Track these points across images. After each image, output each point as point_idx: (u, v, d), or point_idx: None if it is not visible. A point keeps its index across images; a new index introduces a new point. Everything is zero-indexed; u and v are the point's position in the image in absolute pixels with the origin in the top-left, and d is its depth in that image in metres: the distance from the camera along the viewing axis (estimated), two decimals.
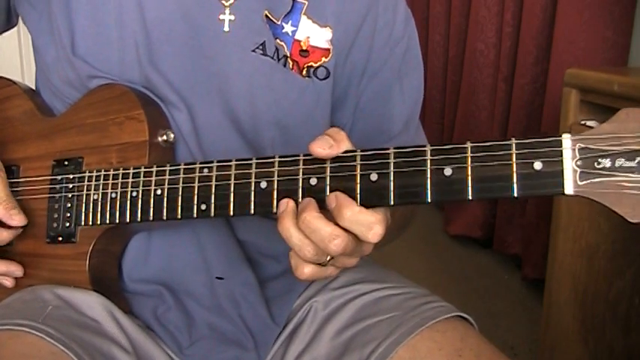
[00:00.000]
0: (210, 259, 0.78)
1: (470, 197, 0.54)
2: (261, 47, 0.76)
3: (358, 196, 0.58)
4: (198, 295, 0.78)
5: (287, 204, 0.59)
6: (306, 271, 0.59)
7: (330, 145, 0.59)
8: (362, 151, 0.59)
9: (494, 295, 2.14)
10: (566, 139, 0.51)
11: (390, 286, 0.80)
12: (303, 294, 0.83)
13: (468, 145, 0.54)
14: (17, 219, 0.75)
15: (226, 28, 0.76)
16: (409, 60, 0.87)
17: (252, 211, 0.62)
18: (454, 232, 2.54)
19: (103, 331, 0.72)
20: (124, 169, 0.71)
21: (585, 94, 1.32)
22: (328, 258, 0.58)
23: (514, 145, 0.53)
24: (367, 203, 0.57)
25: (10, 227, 0.76)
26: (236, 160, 0.64)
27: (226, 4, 0.76)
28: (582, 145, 0.51)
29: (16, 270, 0.78)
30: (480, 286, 2.20)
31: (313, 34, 0.79)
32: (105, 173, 0.73)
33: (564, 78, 1.36)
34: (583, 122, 1.31)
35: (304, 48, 0.78)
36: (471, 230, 2.47)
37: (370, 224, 0.56)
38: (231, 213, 0.63)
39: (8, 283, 0.78)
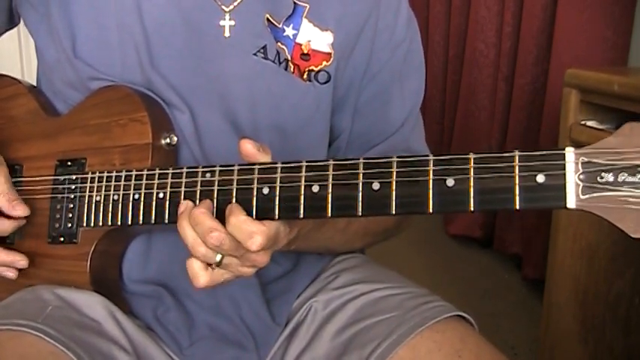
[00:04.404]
0: None
1: (472, 209, 0.54)
2: (262, 51, 0.76)
3: (359, 204, 0.58)
4: (198, 295, 0.78)
5: (186, 205, 0.64)
6: (202, 280, 0.63)
7: (258, 148, 0.62)
8: (365, 159, 0.59)
9: (495, 295, 2.14)
10: (570, 153, 0.51)
11: (390, 286, 0.80)
12: (303, 294, 0.83)
13: (471, 156, 0.54)
14: (20, 209, 0.75)
15: (227, 34, 0.76)
16: (410, 62, 0.86)
17: (254, 217, 0.62)
18: (454, 232, 2.54)
19: (103, 331, 0.72)
20: (126, 172, 0.71)
21: (585, 94, 1.32)
22: (218, 257, 0.62)
23: (517, 157, 0.53)
24: (367, 212, 0.58)
25: (12, 218, 0.76)
26: (238, 165, 0.64)
27: (226, 9, 0.76)
28: (585, 159, 0.51)
29: (21, 260, 0.77)
30: (480, 286, 2.20)
31: (314, 37, 0.79)
32: (107, 175, 0.73)
33: (564, 78, 1.36)
34: (583, 122, 1.32)
35: (305, 51, 0.78)
36: (471, 230, 2.47)
37: (251, 233, 0.59)
38: None
39: (11, 274, 0.77)
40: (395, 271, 0.86)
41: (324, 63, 0.79)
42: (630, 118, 1.22)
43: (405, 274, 0.85)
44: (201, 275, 0.63)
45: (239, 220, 0.60)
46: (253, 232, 0.59)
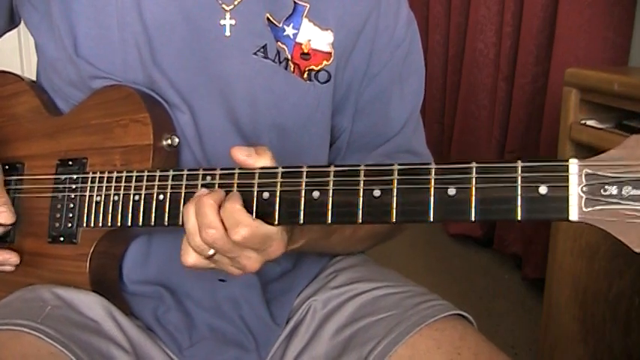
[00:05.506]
0: None
1: (473, 218, 0.53)
2: (262, 50, 0.76)
3: (360, 211, 0.58)
4: (198, 296, 0.78)
5: (201, 192, 0.63)
6: (190, 260, 0.63)
7: (248, 154, 0.62)
8: (366, 166, 0.58)
9: (494, 295, 2.14)
10: (573, 164, 0.51)
11: (389, 285, 0.80)
12: (302, 293, 0.83)
13: (473, 165, 0.54)
14: (3, 217, 0.75)
15: (227, 33, 0.76)
16: (410, 63, 0.86)
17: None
18: (454, 232, 2.54)
19: (103, 331, 0.72)
20: (127, 172, 0.71)
21: (585, 93, 1.32)
22: (211, 252, 0.62)
23: (520, 167, 0.52)
24: (369, 219, 0.57)
25: None
26: (239, 169, 0.64)
27: (227, 8, 0.76)
28: (589, 171, 0.50)
29: (11, 257, 0.77)
30: (480, 285, 2.20)
31: (315, 37, 0.79)
32: (108, 175, 0.73)
33: (564, 77, 1.36)
34: (583, 122, 1.32)
35: (305, 51, 0.78)
36: (471, 230, 2.47)
37: (239, 223, 0.59)
38: None
39: (9, 268, 0.78)
40: (395, 270, 0.86)
41: (325, 62, 0.79)
42: (630, 117, 1.23)
43: (405, 274, 0.85)
44: (190, 254, 0.63)
45: (233, 208, 0.60)
46: (240, 223, 0.59)
